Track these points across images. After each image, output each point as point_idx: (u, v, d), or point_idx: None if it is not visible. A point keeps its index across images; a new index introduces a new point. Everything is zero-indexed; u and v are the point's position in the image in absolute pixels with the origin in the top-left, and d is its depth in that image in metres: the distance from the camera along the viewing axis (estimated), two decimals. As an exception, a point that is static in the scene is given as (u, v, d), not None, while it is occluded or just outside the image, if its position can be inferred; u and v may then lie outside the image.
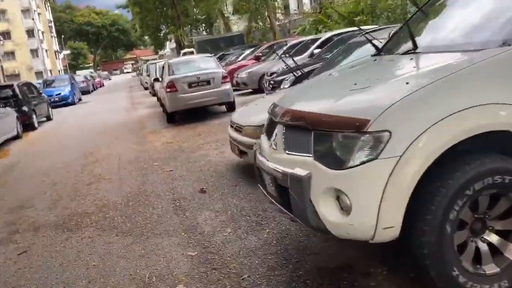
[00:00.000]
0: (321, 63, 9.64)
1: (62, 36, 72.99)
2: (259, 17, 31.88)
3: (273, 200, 3.06)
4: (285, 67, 12.06)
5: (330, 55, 9.62)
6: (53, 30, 71.21)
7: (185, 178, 5.90)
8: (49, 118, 17.18)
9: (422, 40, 3.21)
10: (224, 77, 10.73)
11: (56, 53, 69.24)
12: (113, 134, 10.95)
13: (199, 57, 12.00)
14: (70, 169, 7.56)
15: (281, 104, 3.16)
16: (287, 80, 9.70)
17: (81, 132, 12.43)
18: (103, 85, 43.72)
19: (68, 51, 74.60)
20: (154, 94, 18.40)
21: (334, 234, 2.47)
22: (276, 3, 27.66)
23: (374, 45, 3.59)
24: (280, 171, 2.75)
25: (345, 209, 2.36)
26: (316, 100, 2.84)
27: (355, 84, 2.75)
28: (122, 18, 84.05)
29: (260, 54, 17.21)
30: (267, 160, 3.01)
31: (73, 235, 4.50)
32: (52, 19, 71.69)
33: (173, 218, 4.53)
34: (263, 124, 4.89)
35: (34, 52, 58.58)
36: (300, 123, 2.67)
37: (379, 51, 3.60)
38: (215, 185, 5.35)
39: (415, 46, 3.04)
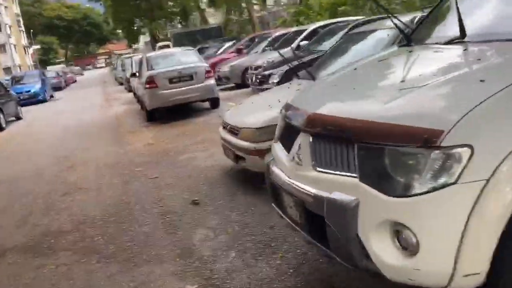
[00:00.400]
0: (311, 56, 9.13)
1: (31, 30, 70.36)
2: (237, 9, 31.14)
3: (295, 226, 2.48)
4: (272, 60, 11.57)
5: (328, 47, 9.10)
6: (21, 24, 68.56)
7: (173, 187, 5.26)
8: (18, 118, 16.12)
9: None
10: (207, 72, 10.06)
11: (25, 48, 66.74)
12: (88, 134, 10.15)
13: (179, 50, 11.27)
14: (42, 177, 6.79)
15: (301, 106, 2.56)
16: (276, 74, 9.12)
17: (53, 132, 11.55)
18: (75, 81, 42.17)
19: (38, 46, 72.05)
20: (130, 89, 17.56)
21: (389, 279, 1.90)
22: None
23: (404, 34, 3.02)
24: (311, 194, 2.16)
25: (409, 249, 1.79)
26: (352, 101, 2.26)
27: (403, 81, 2.17)
28: (94, 12, 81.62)
29: (242, 46, 16.55)
30: (288, 177, 2.42)
31: (46, 261, 3.81)
32: (20, 13, 69.00)
33: (164, 238, 3.90)
34: (265, 126, 4.33)
35: (1, 47, 56.22)
36: (338, 132, 2.08)
37: (409, 41, 3.03)
38: (209, 196, 4.73)
39: (463, 34, 2.49)
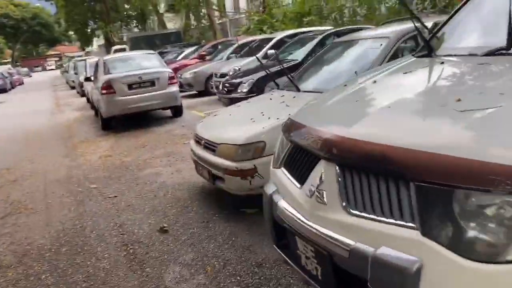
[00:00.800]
0: (281, 66, 8.66)
1: (-25, 28, 66.36)
2: (197, 14, 30.44)
3: (311, 282, 1.93)
4: (238, 68, 11.05)
5: (301, 56, 8.70)
6: (-36, 22, 64.44)
7: (136, 209, 4.58)
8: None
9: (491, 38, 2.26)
10: (170, 78, 9.37)
11: (-32, 47, 62.68)
12: (36, 143, 9.17)
13: (140, 53, 10.49)
14: (-21, 193, 5.88)
15: (318, 126, 2.02)
16: (245, 83, 8.59)
17: (-5, 139, 10.44)
18: (22, 83, 39.81)
19: (-18, 45, 67.94)
20: (83, 94, 16.49)
21: None
22: (216, 0, 26.37)
23: (427, 42, 2.56)
24: (346, 246, 1.62)
25: None
26: (395, 123, 1.74)
27: (459, 100, 1.68)
28: (44, 12, 78.12)
29: (205, 53, 15.91)
30: (305, 219, 1.87)
31: (-23, 308, 3.06)
32: (-38, 10, 64.87)
33: (128, 276, 3.23)
34: (249, 143, 3.77)
35: None
36: (383, 165, 1.55)
37: (430, 51, 2.57)
38: (179, 221, 4.09)
39: (510, 44, 2.05)
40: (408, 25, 4.55)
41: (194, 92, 13.65)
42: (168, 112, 10.28)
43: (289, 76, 4.59)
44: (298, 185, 1.99)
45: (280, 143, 2.48)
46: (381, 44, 4.29)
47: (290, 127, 2.30)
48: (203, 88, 13.38)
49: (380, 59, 4.13)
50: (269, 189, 2.27)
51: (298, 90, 4.51)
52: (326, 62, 4.97)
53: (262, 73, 8.66)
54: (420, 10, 13.96)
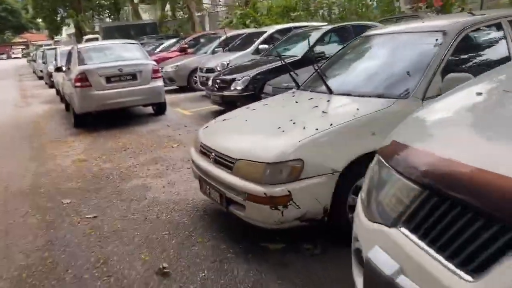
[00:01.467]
0: (283, 61, 7.76)
1: None
2: (175, 5, 29.17)
3: None
4: (227, 63, 10.10)
5: (300, 52, 7.85)
6: None
7: (123, 237, 3.61)
8: None
9: None
10: (154, 71, 8.34)
11: None
12: (-4, 141, 7.99)
13: (119, 43, 9.36)
14: None
15: (481, 164, 1.15)
16: (240, 80, 7.66)
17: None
18: (-16, 71, 37.44)
19: None
20: (52, 85, 15.16)
21: None
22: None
23: None
24: None
25: None
26: None
27: None
28: (11, -3, 74.58)
29: (186, 45, 14.84)
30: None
31: None
32: None
33: None
34: (282, 161, 2.88)
35: None
36: None
37: None
38: (183, 259, 3.15)
39: None
40: (465, 17, 3.78)
41: (175, 87, 12.62)
42: (149, 109, 9.24)
43: (320, 74, 3.69)
44: (468, 278, 1.11)
45: (377, 180, 1.60)
46: (437, 39, 3.46)
47: (409, 158, 1.43)
48: (186, 83, 12.40)
49: (439, 57, 3.30)
50: (383, 264, 1.37)
51: (331, 92, 3.64)
52: (358, 60, 4.12)
53: (258, 70, 7.79)
54: (415, 9, 13.39)
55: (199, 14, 26.64)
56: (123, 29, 26.65)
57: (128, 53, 8.62)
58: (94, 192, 4.74)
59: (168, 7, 32.97)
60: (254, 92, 7.47)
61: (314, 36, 8.45)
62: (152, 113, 9.13)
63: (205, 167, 3.46)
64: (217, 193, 3.30)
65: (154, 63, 8.64)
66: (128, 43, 9.22)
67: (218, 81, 8.14)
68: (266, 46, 10.13)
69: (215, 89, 8.13)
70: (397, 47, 3.81)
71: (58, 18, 44.67)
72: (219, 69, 10.07)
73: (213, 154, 3.38)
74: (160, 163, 5.59)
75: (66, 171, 5.64)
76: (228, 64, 10.06)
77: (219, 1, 26.16)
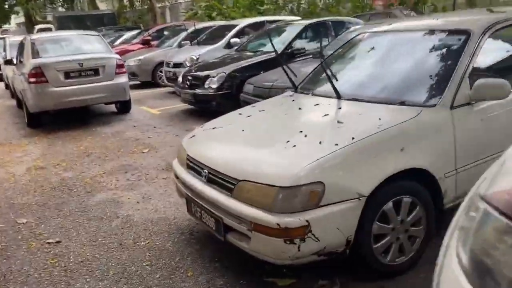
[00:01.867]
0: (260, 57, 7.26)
1: None
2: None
3: None
4: (196, 57, 9.46)
5: (279, 47, 7.34)
6: None
7: (94, 270, 3.00)
8: None
9: None
10: (119, 66, 7.60)
11: None
12: None
13: (79, 34, 8.48)
14: None
15: None
16: (215, 77, 7.07)
17: None
18: None
19: None
20: (1, 79, 13.93)
21: None
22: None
23: None
24: None
25: None
26: None
27: None
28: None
29: (150, 38, 14.00)
30: None
31: None
32: None
33: None
34: (299, 185, 2.37)
35: None
36: None
37: None
38: (174, 301, 2.60)
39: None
40: (491, 14, 3.41)
41: (138, 82, 11.82)
42: (112, 107, 8.48)
43: (328, 75, 3.18)
44: None
45: (492, 243, 1.12)
46: (460, 39, 3.05)
47: None
48: (150, 79, 11.63)
49: (466, 59, 2.88)
50: None
51: (339, 97, 3.16)
52: (366, 60, 3.64)
53: (235, 66, 7.24)
54: (387, 6, 13.18)
55: (160, 5, 25.63)
56: (79, 19, 25.30)
57: (88, 46, 7.82)
58: (56, 209, 4.06)
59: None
60: (231, 90, 6.92)
61: (292, 31, 7.99)
62: (115, 112, 8.39)
63: (194, 186, 2.90)
64: (211, 218, 2.75)
65: (118, 57, 7.90)
66: (88, 34, 8.38)
67: (189, 77, 7.51)
68: (238, 40, 9.58)
69: (186, 86, 7.50)
70: (412, 47, 3.37)
71: (6, 5, 42.00)
72: (188, 64, 9.41)
73: (205, 171, 2.82)
74: (131, 172, 4.96)
75: (20, 182, 4.89)
76: (197, 58, 9.41)
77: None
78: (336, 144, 2.47)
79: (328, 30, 8.26)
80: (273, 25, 9.45)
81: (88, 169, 5.17)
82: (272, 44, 4.14)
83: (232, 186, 2.57)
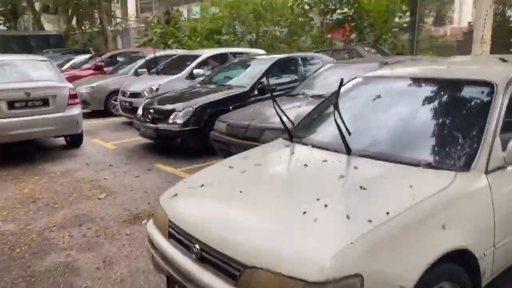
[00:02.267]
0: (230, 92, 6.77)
1: None
2: (83, 17, 26.81)
3: None
4: (155, 87, 8.84)
5: (248, 82, 6.92)
6: None
7: None
8: None
9: None
10: (72, 96, 6.83)
11: None
12: None
13: (25, 59, 7.60)
14: None
15: None
16: (180, 112, 6.49)
17: None
18: None
19: None
20: None
21: None
22: (112, 4, 23.28)
23: None
24: None
25: None
26: None
27: None
28: None
29: (102, 63, 13.20)
30: None
31: None
32: None
33: None
34: (332, 280, 1.81)
35: None
36: None
37: None
38: None
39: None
40: (498, 64, 3.13)
41: (89, 110, 10.97)
42: (61, 140, 7.65)
43: (339, 124, 2.71)
44: None
45: None
46: (483, 92, 2.72)
47: None
48: (103, 107, 10.85)
49: (494, 116, 2.54)
50: None
51: (349, 152, 2.71)
52: (373, 110, 3.20)
53: (202, 100, 6.70)
54: (347, 42, 13.25)
55: (112, 28, 24.75)
56: (23, 40, 23.88)
57: (37, 73, 7.00)
58: (-7, 278, 3.29)
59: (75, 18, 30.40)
60: (198, 126, 6.37)
61: (261, 65, 7.60)
62: (64, 145, 7.56)
63: (180, 264, 2.31)
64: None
65: (72, 86, 7.13)
66: (37, 59, 7.54)
67: (151, 111, 6.88)
68: (201, 71, 9.10)
69: (148, 120, 6.85)
70: (427, 98, 2.99)
71: None
72: (146, 94, 8.79)
73: (197, 247, 2.25)
74: (86, 224, 4.23)
75: None
76: (157, 89, 8.82)
77: (135, 16, 24.49)
78: (370, 221, 1.99)
79: (296, 66, 7.97)
80: (240, 58, 9.10)
81: (34, 220, 4.38)
82: (268, 84, 3.68)
83: (237, 273, 2.02)
